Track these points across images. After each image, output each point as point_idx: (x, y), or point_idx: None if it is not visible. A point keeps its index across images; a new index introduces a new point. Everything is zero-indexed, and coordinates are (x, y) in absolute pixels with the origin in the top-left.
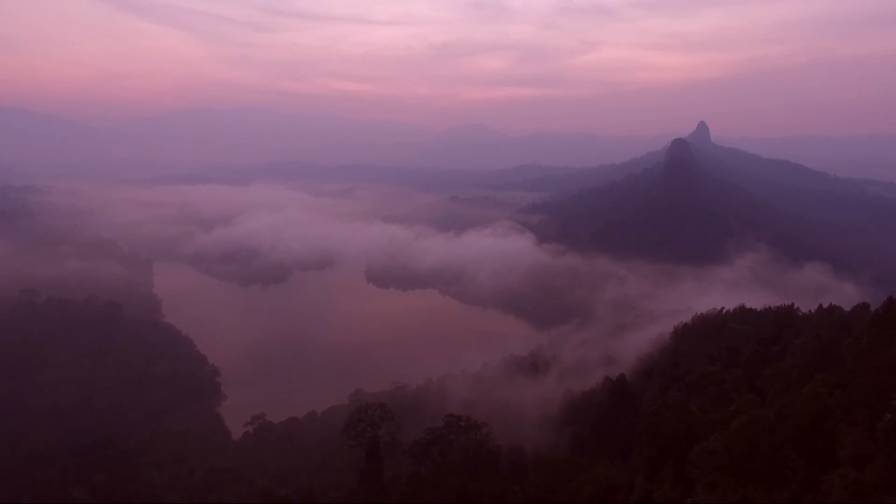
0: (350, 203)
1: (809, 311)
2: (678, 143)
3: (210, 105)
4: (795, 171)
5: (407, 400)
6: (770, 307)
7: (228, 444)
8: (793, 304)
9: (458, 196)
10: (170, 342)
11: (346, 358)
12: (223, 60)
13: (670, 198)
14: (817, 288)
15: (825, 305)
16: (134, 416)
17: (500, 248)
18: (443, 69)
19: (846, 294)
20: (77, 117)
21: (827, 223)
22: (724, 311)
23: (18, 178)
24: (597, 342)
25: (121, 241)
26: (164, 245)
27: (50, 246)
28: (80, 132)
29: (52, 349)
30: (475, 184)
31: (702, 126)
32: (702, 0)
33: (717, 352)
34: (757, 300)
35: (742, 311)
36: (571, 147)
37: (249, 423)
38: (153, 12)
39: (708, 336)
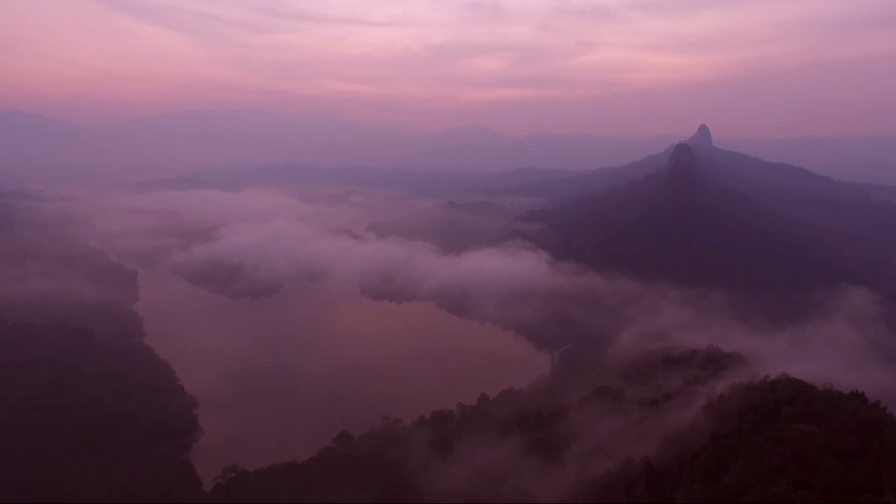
0: (345, 210)
1: None
2: (682, 149)
3: (206, 106)
4: (799, 175)
5: (393, 449)
6: (840, 392)
7: (196, 501)
8: (878, 402)
9: (456, 201)
10: (144, 371)
11: (333, 384)
12: (220, 61)
13: (676, 208)
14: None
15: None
16: (95, 464)
17: (504, 268)
18: (440, 70)
19: None
20: (72, 118)
21: (837, 232)
22: (769, 380)
23: (10, 182)
24: (611, 394)
25: (105, 253)
26: (151, 257)
27: (28, 261)
28: (74, 134)
29: (10, 385)
30: (473, 187)
31: (703, 129)
32: (699, 1)
33: (779, 460)
34: (796, 338)
35: (800, 392)
36: (569, 149)
37: (220, 477)
38: (149, 13)
39: (758, 423)
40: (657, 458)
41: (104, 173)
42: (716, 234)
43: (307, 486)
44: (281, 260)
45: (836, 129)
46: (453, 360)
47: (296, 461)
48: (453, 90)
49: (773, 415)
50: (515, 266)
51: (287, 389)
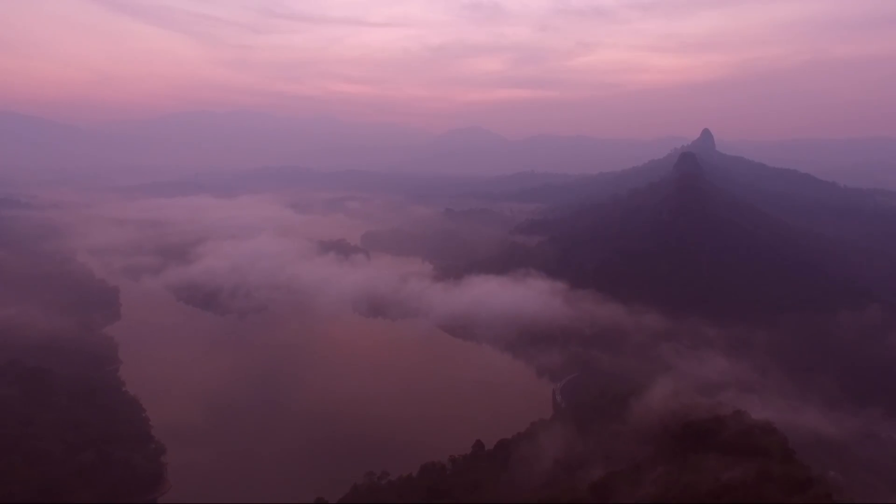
0: (339, 218)
1: None
2: (686, 159)
3: (205, 108)
4: (805, 181)
5: None
6: None
7: None
8: None
9: (454, 208)
10: (107, 415)
11: (318, 417)
12: (218, 62)
13: (682, 224)
14: None
15: None
16: None
17: (503, 296)
18: (439, 71)
19: None
20: (70, 120)
21: (848, 243)
22: None
23: (3, 187)
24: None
25: (86, 269)
26: (134, 274)
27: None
28: (72, 136)
29: None
30: (472, 192)
31: (706, 134)
32: (698, 1)
33: None
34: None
35: None
36: (569, 151)
37: None
38: (148, 14)
39: None
40: None
41: (101, 176)
42: (725, 251)
43: None
44: (260, 289)
45: (837, 130)
46: (445, 388)
47: None
48: (452, 91)
49: None
50: (515, 292)
51: (269, 425)
